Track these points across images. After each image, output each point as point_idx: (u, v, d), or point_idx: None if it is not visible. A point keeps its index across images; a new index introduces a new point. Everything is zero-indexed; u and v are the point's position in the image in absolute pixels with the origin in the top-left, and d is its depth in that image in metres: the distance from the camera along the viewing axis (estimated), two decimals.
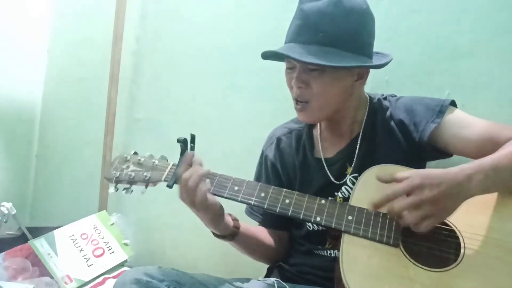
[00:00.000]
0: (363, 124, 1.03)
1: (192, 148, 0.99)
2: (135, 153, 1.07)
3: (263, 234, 1.11)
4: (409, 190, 0.78)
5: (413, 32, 1.24)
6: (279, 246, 1.12)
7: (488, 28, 1.15)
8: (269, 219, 1.12)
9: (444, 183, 0.76)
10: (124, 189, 1.04)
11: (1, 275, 1.33)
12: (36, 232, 1.49)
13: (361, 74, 0.98)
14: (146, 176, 1.01)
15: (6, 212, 1.44)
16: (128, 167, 1.04)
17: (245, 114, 1.51)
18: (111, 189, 1.05)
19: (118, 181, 1.04)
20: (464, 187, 0.77)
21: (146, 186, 1.02)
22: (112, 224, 1.61)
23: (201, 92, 1.60)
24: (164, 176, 1.00)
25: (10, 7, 1.75)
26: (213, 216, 0.95)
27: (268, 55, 1.00)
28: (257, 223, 1.15)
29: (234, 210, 1.07)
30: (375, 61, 0.98)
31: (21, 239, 1.51)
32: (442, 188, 0.76)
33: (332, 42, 0.91)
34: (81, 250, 1.47)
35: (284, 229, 1.13)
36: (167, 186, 0.97)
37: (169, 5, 1.67)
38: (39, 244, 1.40)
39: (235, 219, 1.03)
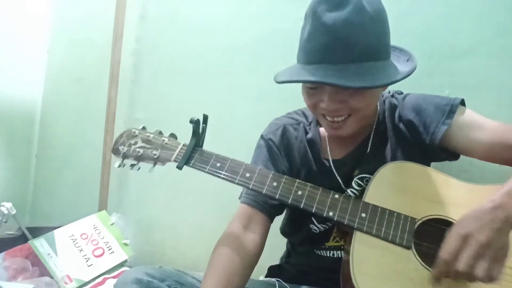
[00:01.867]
0: (374, 126, 1.00)
1: (204, 129, 0.97)
2: (144, 128, 1.03)
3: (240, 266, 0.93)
4: (462, 243, 0.74)
5: (413, 32, 1.24)
6: (262, 242, 1.00)
7: (488, 28, 1.15)
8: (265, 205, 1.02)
9: (485, 220, 0.74)
10: (131, 165, 1.00)
11: (1, 275, 1.33)
12: (36, 232, 1.49)
13: None
14: (155, 155, 0.97)
15: (6, 212, 1.44)
16: (136, 143, 1.00)
17: (245, 114, 1.51)
18: (116, 164, 1.01)
19: (125, 156, 1.00)
20: (504, 218, 0.74)
21: (154, 165, 0.98)
22: (112, 224, 1.61)
23: (201, 92, 1.60)
24: (174, 157, 0.95)
25: (10, 7, 1.75)
26: None
27: (297, 81, 0.89)
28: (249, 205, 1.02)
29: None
30: (394, 56, 0.94)
31: (21, 239, 1.51)
32: (487, 225, 0.73)
33: (367, 56, 0.83)
34: (81, 250, 1.47)
35: (273, 218, 1.04)
36: (177, 167, 0.94)
37: (169, 5, 1.67)
38: (39, 244, 1.40)
39: None
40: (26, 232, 1.52)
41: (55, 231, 1.47)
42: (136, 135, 1.01)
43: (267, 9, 1.48)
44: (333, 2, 0.82)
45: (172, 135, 1.01)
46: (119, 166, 1.01)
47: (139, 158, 0.99)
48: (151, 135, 1.00)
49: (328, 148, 1.03)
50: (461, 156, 0.99)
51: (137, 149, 0.99)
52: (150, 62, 1.71)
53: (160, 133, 1.02)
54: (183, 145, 0.97)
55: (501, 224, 0.73)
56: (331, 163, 1.01)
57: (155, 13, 1.70)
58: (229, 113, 1.55)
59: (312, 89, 0.91)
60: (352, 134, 0.96)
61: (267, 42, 1.46)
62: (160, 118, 1.67)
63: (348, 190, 0.99)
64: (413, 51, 1.21)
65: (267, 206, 1.01)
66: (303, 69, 0.87)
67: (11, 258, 1.37)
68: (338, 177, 1.00)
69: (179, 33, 1.65)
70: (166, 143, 0.98)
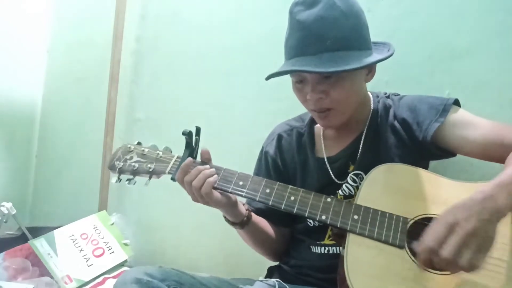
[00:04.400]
0: (367, 123, 1.03)
1: (197, 141, 0.99)
2: (139, 143, 1.06)
3: (270, 227, 1.11)
4: (448, 230, 0.73)
5: (413, 32, 1.24)
6: (282, 240, 1.12)
7: (488, 28, 1.15)
8: (272, 216, 1.10)
9: (474, 210, 0.73)
10: (127, 180, 1.03)
11: (1, 275, 1.33)
12: (36, 232, 1.49)
13: (371, 67, 0.99)
14: (150, 168, 1.00)
15: (6, 212, 1.44)
16: (131, 157, 1.04)
17: (245, 114, 1.52)
18: (113, 180, 1.04)
19: (121, 171, 1.03)
20: (493, 209, 0.74)
21: (150, 178, 1.02)
22: (112, 224, 1.61)
23: (201, 92, 1.60)
24: (168, 169, 0.99)
25: (10, 7, 1.75)
26: (223, 207, 0.98)
27: (276, 74, 0.94)
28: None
29: None
30: (378, 51, 0.98)
31: (21, 239, 1.51)
32: (475, 215, 0.73)
33: (341, 46, 0.90)
34: (81, 250, 1.47)
35: (285, 226, 1.12)
36: (172, 179, 0.97)
37: (169, 5, 1.67)
38: (39, 244, 1.40)
39: (248, 210, 1.03)
40: (26, 232, 1.52)
41: (55, 231, 1.47)
42: (132, 150, 1.05)
43: (267, 9, 1.48)
44: (306, 2, 0.91)
45: (167, 148, 1.05)
46: (116, 181, 1.04)
47: (135, 173, 1.02)
48: (146, 149, 1.04)
49: (322, 145, 1.07)
50: (461, 156, 0.99)
51: (133, 164, 1.02)
52: (150, 62, 1.71)
53: (155, 146, 1.05)
54: (177, 157, 1.01)
55: (489, 215, 0.74)
56: (325, 160, 1.04)
57: (155, 13, 1.70)
58: (228, 113, 1.55)
59: (298, 83, 0.96)
60: (340, 125, 1.01)
61: (267, 42, 1.46)
62: (160, 118, 1.67)
63: (344, 186, 1.01)
64: (413, 51, 1.23)
65: (273, 220, 1.10)
66: (285, 64, 0.95)
67: (11, 258, 1.37)
68: (331, 173, 1.03)
69: (179, 33, 1.65)
70: (160, 156, 1.02)
